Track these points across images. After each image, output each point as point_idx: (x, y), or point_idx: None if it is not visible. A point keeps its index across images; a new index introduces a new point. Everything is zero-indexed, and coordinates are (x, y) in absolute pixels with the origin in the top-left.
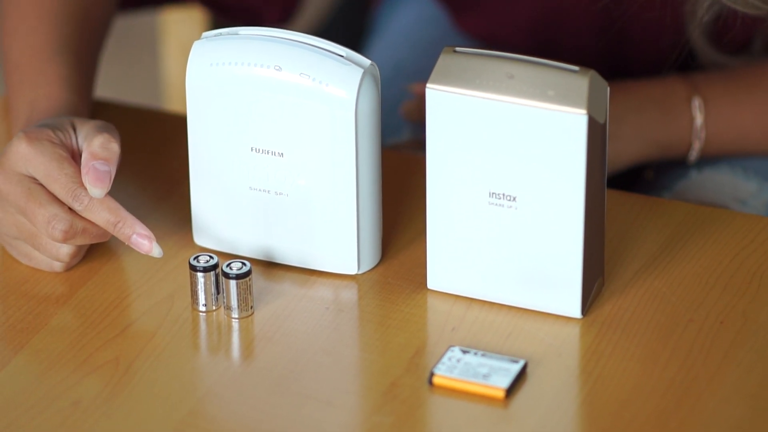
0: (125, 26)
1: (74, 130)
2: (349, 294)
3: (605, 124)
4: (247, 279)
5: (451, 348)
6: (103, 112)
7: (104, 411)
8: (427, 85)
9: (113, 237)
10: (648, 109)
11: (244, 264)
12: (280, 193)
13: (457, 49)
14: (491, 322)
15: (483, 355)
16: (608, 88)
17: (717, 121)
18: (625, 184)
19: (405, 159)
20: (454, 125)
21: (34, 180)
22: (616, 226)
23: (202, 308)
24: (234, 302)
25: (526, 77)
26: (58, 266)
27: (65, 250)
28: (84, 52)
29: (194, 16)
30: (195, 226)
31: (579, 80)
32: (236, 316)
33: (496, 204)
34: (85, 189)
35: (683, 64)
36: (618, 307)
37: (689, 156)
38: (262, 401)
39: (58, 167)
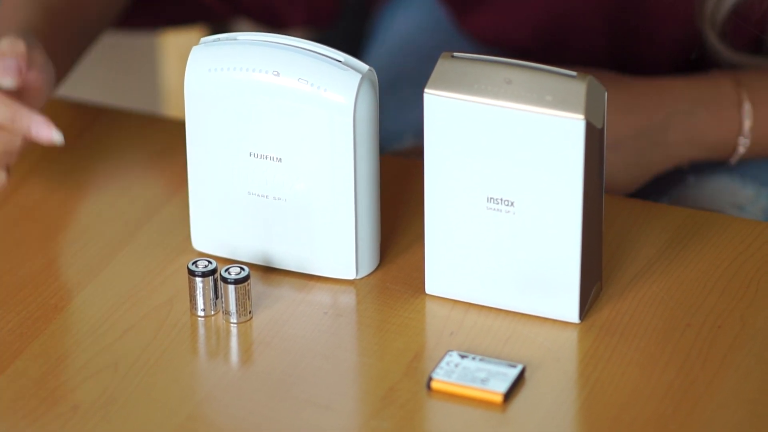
0: (124, 32)
1: None
2: (348, 299)
3: (603, 129)
4: (246, 284)
5: (450, 353)
6: (102, 118)
7: (103, 415)
8: (425, 90)
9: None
10: (697, 112)
11: (242, 269)
12: (278, 198)
13: (455, 54)
14: (489, 326)
15: (481, 359)
16: (606, 93)
17: (763, 126)
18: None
19: (403, 164)
20: (452, 130)
21: None
22: (614, 230)
23: (200, 313)
24: (232, 307)
25: (523, 82)
26: None
27: None
28: (62, 25)
29: None
30: (194, 231)
31: (577, 85)
32: (235, 320)
33: (494, 209)
34: None
35: (696, 61)
36: (616, 311)
37: (732, 158)
38: (260, 406)
39: None
